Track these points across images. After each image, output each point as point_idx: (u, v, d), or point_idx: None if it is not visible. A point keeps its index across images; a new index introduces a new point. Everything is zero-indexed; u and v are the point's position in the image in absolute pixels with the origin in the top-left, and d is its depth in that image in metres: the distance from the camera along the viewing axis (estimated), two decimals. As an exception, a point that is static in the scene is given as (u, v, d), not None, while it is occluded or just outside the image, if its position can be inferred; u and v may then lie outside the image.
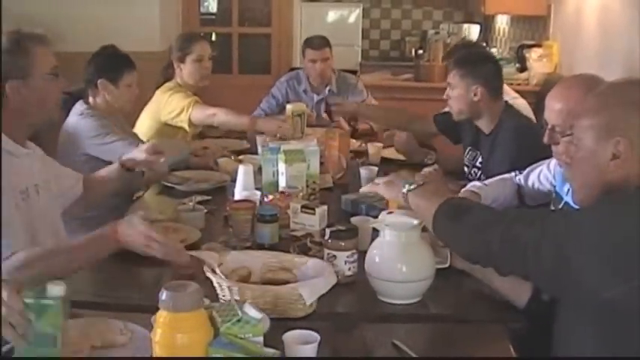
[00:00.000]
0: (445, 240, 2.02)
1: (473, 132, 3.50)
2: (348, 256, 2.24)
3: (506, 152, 3.18)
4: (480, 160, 3.45)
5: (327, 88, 4.85)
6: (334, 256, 2.23)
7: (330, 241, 2.25)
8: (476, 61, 3.44)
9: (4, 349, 1.82)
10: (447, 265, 2.23)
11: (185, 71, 4.27)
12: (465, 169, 3.55)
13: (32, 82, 2.42)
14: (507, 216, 1.81)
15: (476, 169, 3.47)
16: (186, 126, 4.15)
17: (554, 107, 2.40)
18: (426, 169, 3.32)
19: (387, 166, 3.75)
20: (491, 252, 1.76)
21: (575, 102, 2.25)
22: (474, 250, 1.85)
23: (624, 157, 1.67)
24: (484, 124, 3.39)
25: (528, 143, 2.86)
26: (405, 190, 2.10)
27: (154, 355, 1.60)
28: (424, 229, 2.14)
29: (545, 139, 2.39)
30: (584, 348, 1.69)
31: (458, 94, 3.35)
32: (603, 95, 1.80)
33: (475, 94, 3.30)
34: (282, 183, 3.01)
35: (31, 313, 1.63)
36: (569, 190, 2.55)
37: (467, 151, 3.56)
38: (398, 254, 2.13)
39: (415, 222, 2.13)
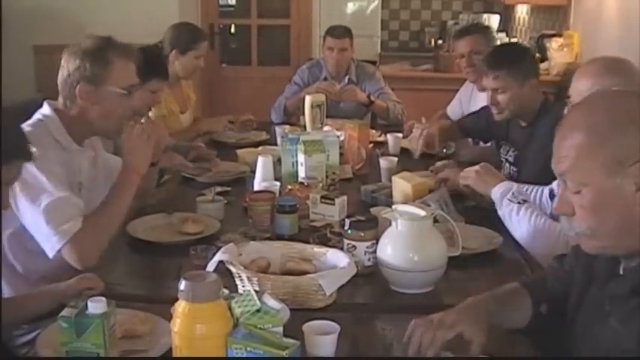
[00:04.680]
0: None
1: (505, 126, 3.43)
2: (367, 247, 2.23)
3: (544, 144, 3.11)
4: (512, 154, 3.40)
5: (347, 77, 4.85)
6: (354, 247, 2.23)
7: (349, 231, 2.24)
8: (521, 56, 3.32)
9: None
10: (458, 254, 2.24)
11: (181, 63, 4.14)
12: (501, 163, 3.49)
13: (102, 92, 2.40)
14: None
15: (508, 164, 3.41)
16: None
17: (573, 82, 2.49)
18: (440, 163, 3.28)
19: (406, 156, 3.73)
20: None
21: (591, 76, 2.42)
22: None
23: None
24: (524, 117, 3.28)
25: None
26: None
27: (174, 345, 1.61)
28: (436, 220, 2.15)
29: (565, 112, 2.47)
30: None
31: (512, 95, 3.19)
32: (593, 125, 1.48)
33: (531, 88, 3.19)
34: (302, 173, 3.01)
35: (72, 330, 1.63)
36: None
37: (501, 145, 3.50)
38: (409, 244, 2.13)
39: (426, 212, 2.13)
